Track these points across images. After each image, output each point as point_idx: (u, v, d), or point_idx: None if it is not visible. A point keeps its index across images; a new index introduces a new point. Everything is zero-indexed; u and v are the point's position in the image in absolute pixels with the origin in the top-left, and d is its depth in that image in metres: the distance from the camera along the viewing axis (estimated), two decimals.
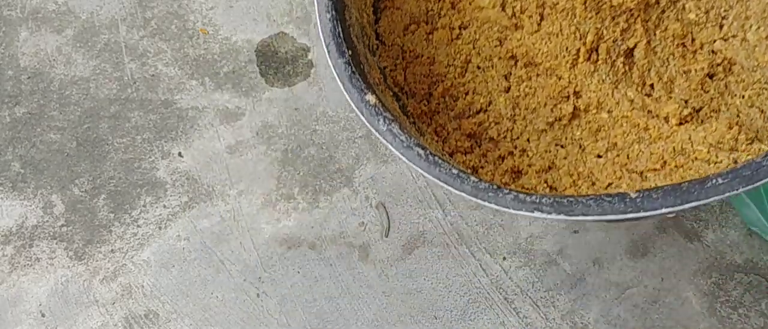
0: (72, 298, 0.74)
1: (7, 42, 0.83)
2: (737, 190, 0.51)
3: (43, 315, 0.74)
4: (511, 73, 0.62)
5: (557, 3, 0.61)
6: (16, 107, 0.81)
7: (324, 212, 0.75)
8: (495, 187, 0.53)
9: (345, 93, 0.55)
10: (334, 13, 0.56)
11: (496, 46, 0.62)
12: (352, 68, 0.55)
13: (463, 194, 0.54)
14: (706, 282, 0.70)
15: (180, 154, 0.79)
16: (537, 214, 0.52)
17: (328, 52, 0.55)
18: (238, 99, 0.81)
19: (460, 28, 0.63)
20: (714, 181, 0.51)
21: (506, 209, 0.53)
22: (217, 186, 0.78)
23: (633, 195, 0.51)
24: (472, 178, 0.54)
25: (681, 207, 0.51)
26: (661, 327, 0.69)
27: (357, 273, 0.73)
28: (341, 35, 0.56)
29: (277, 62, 0.82)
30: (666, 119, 0.59)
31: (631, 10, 0.60)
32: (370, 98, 0.56)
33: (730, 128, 0.57)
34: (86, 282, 0.75)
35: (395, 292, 0.72)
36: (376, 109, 0.56)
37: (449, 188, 0.54)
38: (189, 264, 0.75)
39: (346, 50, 0.55)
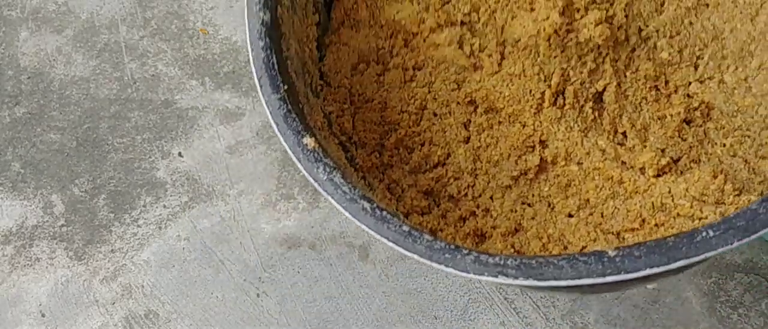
0: (72, 298, 0.74)
1: (7, 42, 0.84)
2: (731, 244, 0.44)
3: (43, 315, 0.74)
4: (470, 121, 0.56)
5: (519, 40, 0.55)
6: (16, 107, 0.81)
7: (324, 212, 0.75)
8: (452, 247, 0.46)
9: (279, 135, 0.48)
10: (267, 41, 0.48)
11: (453, 90, 0.56)
12: (287, 106, 0.48)
13: (416, 255, 0.46)
14: (706, 282, 0.70)
15: (180, 154, 0.79)
16: (501, 279, 0.45)
17: (261, 86, 0.48)
18: (238, 99, 0.81)
19: (414, 68, 0.57)
20: (704, 234, 0.44)
21: (465, 275, 0.45)
22: (217, 186, 0.78)
23: (612, 253, 0.44)
24: (426, 236, 0.46)
25: (668, 266, 0.44)
26: (661, 327, 0.69)
27: (357, 272, 0.73)
28: (276, 67, 0.48)
29: None
30: (642, 170, 0.53)
31: (598, 47, 0.55)
32: (309, 141, 0.49)
33: (715, 177, 0.51)
34: (86, 282, 0.75)
35: (395, 292, 0.72)
36: (316, 154, 0.48)
37: (399, 249, 0.46)
38: (189, 264, 0.75)
39: (281, 85, 0.48)
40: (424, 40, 0.56)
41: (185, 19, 0.84)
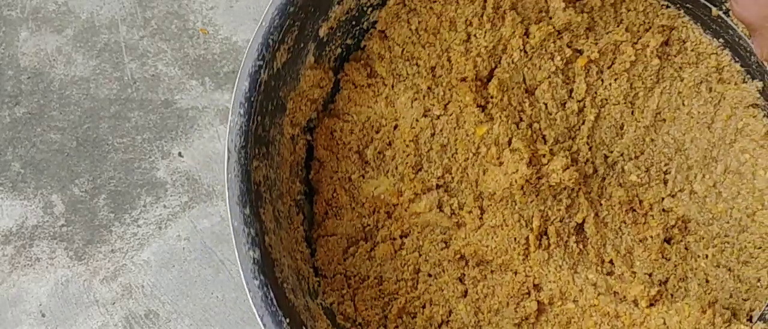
0: (72, 298, 0.74)
1: (7, 42, 0.83)
2: None
3: (43, 315, 0.74)
4: (464, 275, 0.58)
5: (494, 193, 0.56)
6: (16, 107, 0.81)
7: None
8: None
9: None
10: (262, 278, 0.50)
11: (442, 249, 0.58)
12: None
13: None
14: None
15: (180, 154, 0.79)
16: None
17: (264, 325, 0.49)
18: None
19: (401, 237, 0.59)
20: None
21: None
22: (217, 186, 0.78)
23: None
24: None
25: None
26: None
27: None
28: (275, 303, 0.49)
29: None
30: (635, 303, 0.55)
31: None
32: None
33: (704, 311, 0.53)
34: (86, 282, 0.75)
35: None
36: None
37: None
38: (189, 264, 0.75)
39: (282, 319, 0.49)
40: (406, 210, 0.58)
41: (185, 19, 0.84)
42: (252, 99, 0.52)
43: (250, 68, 0.52)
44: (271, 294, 0.50)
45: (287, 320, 0.50)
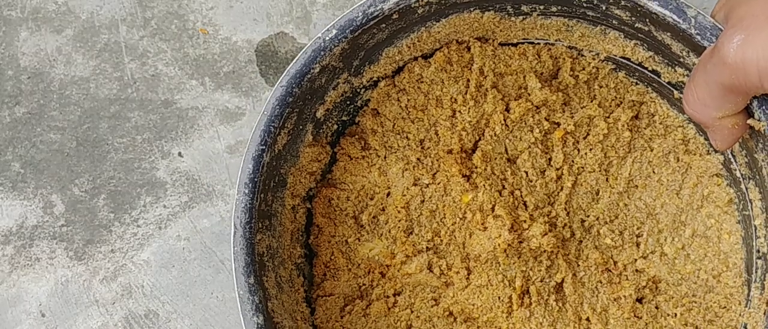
0: (72, 298, 0.74)
1: (7, 42, 0.83)
2: None
3: (43, 315, 0.74)
4: None
5: (480, 255, 0.62)
6: (16, 107, 0.81)
7: None
8: None
9: None
10: None
11: (432, 307, 0.63)
12: None
13: None
14: None
15: (180, 154, 0.79)
16: None
17: None
18: (238, 99, 0.81)
19: (394, 295, 0.64)
20: None
21: None
22: (217, 186, 0.78)
23: None
24: None
25: None
26: None
27: None
28: None
29: (277, 62, 0.82)
30: None
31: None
32: None
33: None
34: (86, 282, 0.75)
35: None
36: None
37: None
38: (189, 264, 0.75)
39: None
40: (398, 270, 0.64)
41: (185, 19, 0.84)
42: (256, 179, 0.57)
43: (253, 152, 0.58)
44: None
45: None
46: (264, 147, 0.58)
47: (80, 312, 0.74)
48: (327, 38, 0.60)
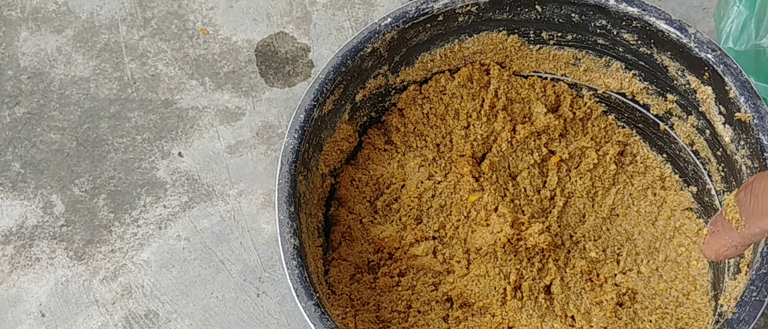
0: (72, 298, 0.74)
1: (7, 42, 0.84)
2: None
3: (43, 315, 0.74)
4: (448, 315, 0.68)
5: (480, 248, 0.68)
6: (16, 107, 0.81)
7: None
8: None
9: None
10: (299, 260, 0.60)
11: (432, 291, 0.69)
12: (321, 310, 0.59)
13: None
14: None
15: (180, 154, 0.79)
16: None
17: (297, 296, 0.59)
18: (238, 99, 0.81)
19: (398, 275, 0.69)
20: None
21: None
22: (217, 186, 0.78)
23: None
24: None
25: None
26: None
27: None
28: (308, 280, 0.60)
29: (277, 62, 0.82)
30: None
31: (543, 251, 0.68)
32: None
33: None
34: (86, 282, 0.75)
35: None
36: None
37: None
38: (189, 264, 0.75)
39: (313, 293, 0.59)
40: (405, 253, 0.70)
41: (185, 19, 0.84)
42: (305, 128, 0.64)
43: (306, 105, 0.64)
44: (306, 273, 0.60)
45: (316, 295, 0.59)
46: (315, 103, 0.64)
47: (80, 312, 0.74)
48: (383, 24, 0.67)
